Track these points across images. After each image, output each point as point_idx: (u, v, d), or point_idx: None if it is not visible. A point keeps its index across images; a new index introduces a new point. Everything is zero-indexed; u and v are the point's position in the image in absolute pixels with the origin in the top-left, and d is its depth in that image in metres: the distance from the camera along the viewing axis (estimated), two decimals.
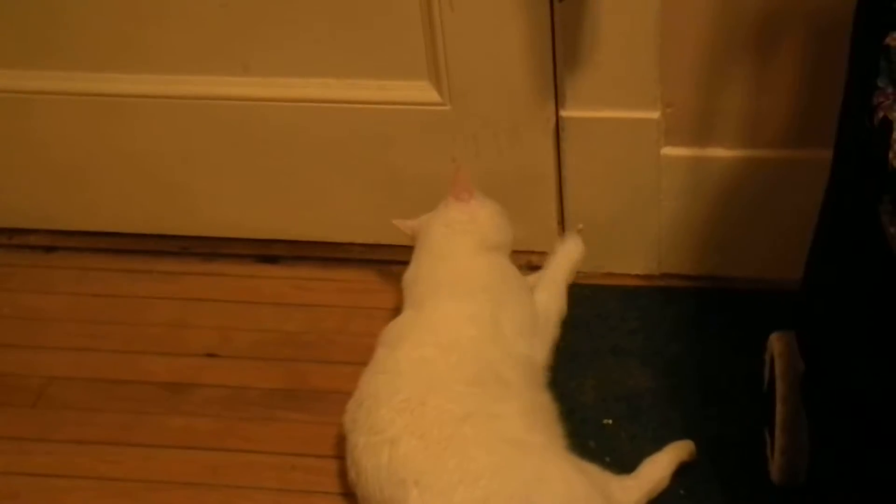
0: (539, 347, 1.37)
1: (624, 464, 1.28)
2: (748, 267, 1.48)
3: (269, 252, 1.63)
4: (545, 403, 1.31)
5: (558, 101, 1.41)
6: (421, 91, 1.45)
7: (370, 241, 1.60)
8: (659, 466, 1.27)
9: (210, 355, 1.49)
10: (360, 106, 1.48)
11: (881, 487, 1.14)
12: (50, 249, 1.66)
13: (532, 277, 1.46)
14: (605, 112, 1.39)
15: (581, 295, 1.51)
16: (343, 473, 1.27)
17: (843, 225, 1.02)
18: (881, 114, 0.86)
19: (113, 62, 1.50)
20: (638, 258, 1.52)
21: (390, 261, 1.54)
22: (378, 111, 1.47)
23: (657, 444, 1.31)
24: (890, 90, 0.86)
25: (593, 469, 1.24)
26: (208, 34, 1.45)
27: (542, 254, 1.55)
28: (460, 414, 1.21)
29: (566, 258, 1.47)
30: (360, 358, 1.32)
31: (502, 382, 1.26)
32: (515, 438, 1.21)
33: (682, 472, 1.28)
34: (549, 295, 1.42)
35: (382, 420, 1.23)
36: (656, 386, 1.39)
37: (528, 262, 1.55)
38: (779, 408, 1.21)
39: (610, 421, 1.36)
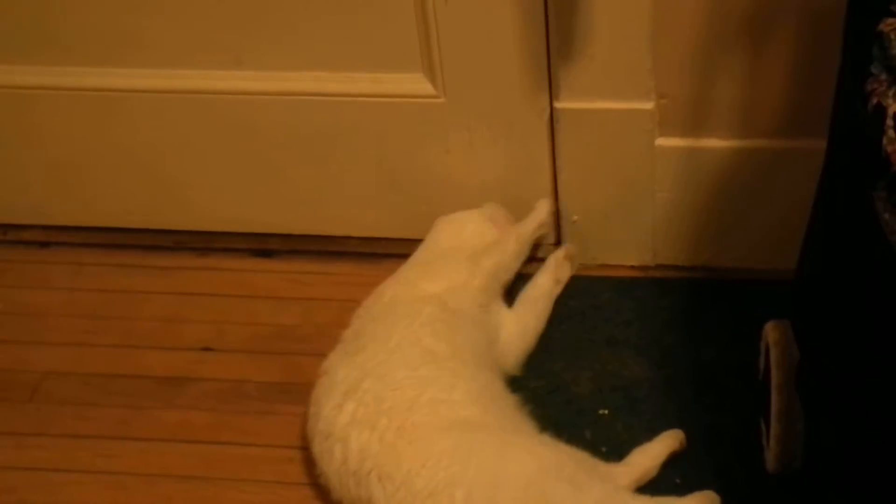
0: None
1: (620, 454, 1.29)
2: (743, 257, 1.48)
3: (264, 246, 1.63)
4: (497, 389, 1.30)
5: (552, 93, 1.41)
6: (415, 83, 1.45)
7: (365, 234, 1.60)
8: (649, 455, 1.28)
9: (206, 349, 1.49)
10: (355, 99, 1.47)
11: (876, 476, 1.14)
12: (44, 245, 1.66)
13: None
14: (599, 103, 1.39)
15: (576, 286, 1.51)
16: None
17: (837, 212, 1.02)
18: (875, 100, 0.86)
19: (106, 57, 1.50)
20: (632, 249, 1.52)
21: (386, 254, 1.54)
22: (372, 104, 1.47)
23: (653, 434, 1.32)
24: (883, 77, 0.86)
25: (580, 454, 1.24)
26: (201, 28, 1.45)
27: (539, 245, 1.56)
28: (405, 401, 1.21)
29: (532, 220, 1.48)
30: None
31: (446, 366, 1.27)
32: (469, 421, 1.21)
33: (677, 462, 1.29)
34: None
35: (326, 420, 1.24)
36: (652, 376, 1.40)
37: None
38: (774, 396, 1.21)
39: (606, 411, 1.36)
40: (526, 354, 1.42)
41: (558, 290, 1.48)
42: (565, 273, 1.49)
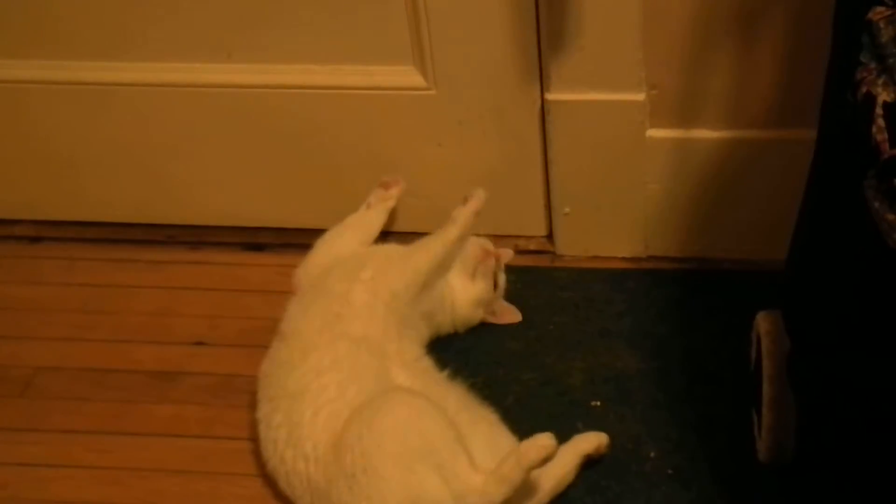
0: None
1: (613, 445, 1.29)
2: (734, 247, 1.49)
3: (256, 240, 1.63)
4: (397, 365, 1.30)
5: (543, 84, 1.41)
6: (406, 76, 1.45)
7: None
8: (560, 462, 1.24)
9: (198, 343, 1.49)
10: (345, 91, 1.47)
11: (868, 464, 1.15)
12: (35, 240, 1.66)
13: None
14: (590, 94, 1.39)
15: (568, 278, 1.51)
16: None
17: (827, 201, 1.02)
18: (864, 89, 0.86)
19: (96, 51, 1.49)
20: (624, 241, 1.52)
21: None
22: (363, 96, 1.47)
23: (645, 425, 1.32)
24: (873, 65, 0.86)
25: (490, 432, 1.26)
26: (191, 21, 1.45)
27: (530, 238, 1.56)
28: (295, 422, 1.23)
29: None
30: None
31: (315, 364, 1.27)
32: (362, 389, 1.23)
33: (670, 452, 1.29)
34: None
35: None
36: (644, 367, 1.40)
37: (516, 246, 1.55)
38: (765, 386, 1.21)
39: (598, 403, 1.36)
40: (410, 286, 1.36)
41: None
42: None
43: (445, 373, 1.33)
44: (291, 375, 1.27)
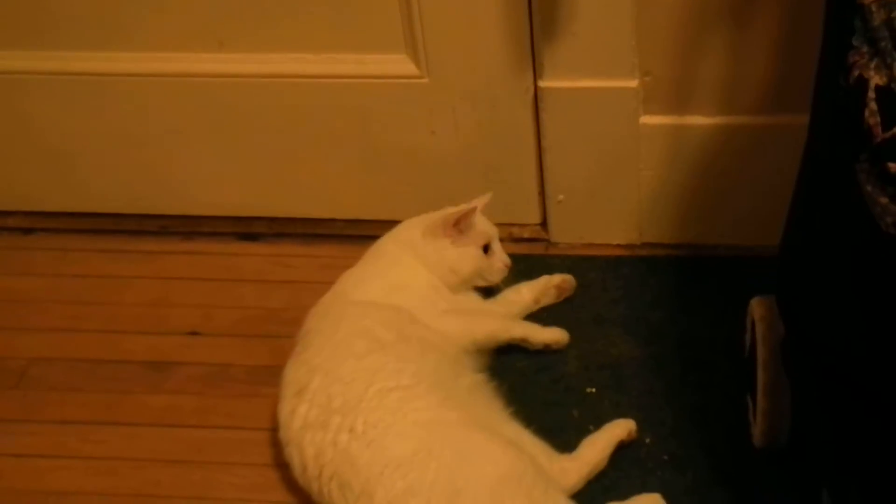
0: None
1: None
2: (728, 234, 1.49)
3: (250, 229, 1.63)
4: (448, 370, 1.28)
5: (536, 72, 1.40)
6: (398, 64, 1.44)
7: (350, 216, 1.60)
8: (597, 448, 1.26)
9: (192, 333, 1.49)
10: (338, 80, 1.47)
11: (861, 449, 1.15)
12: (28, 231, 1.66)
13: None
14: (584, 81, 1.39)
15: (562, 266, 1.51)
16: None
17: (820, 186, 1.02)
18: (856, 72, 0.86)
19: (88, 41, 1.49)
20: (618, 228, 1.52)
21: (371, 236, 1.53)
22: (356, 85, 1.47)
23: (640, 412, 1.32)
24: (865, 49, 0.86)
25: (534, 445, 1.24)
26: (183, 11, 1.44)
27: (524, 226, 1.56)
28: (353, 396, 1.19)
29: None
30: None
31: (391, 351, 1.25)
32: (427, 419, 1.19)
33: (665, 438, 1.29)
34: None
35: (284, 427, 1.24)
36: (639, 354, 1.40)
37: (510, 234, 1.55)
38: (760, 372, 1.22)
39: (593, 389, 1.37)
40: (477, 349, 1.37)
41: (534, 308, 1.45)
42: (548, 299, 1.46)
43: (498, 392, 1.33)
44: (372, 352, 1.24)
